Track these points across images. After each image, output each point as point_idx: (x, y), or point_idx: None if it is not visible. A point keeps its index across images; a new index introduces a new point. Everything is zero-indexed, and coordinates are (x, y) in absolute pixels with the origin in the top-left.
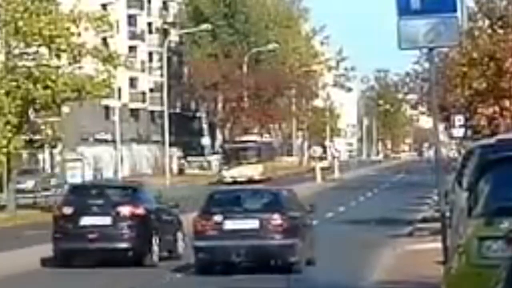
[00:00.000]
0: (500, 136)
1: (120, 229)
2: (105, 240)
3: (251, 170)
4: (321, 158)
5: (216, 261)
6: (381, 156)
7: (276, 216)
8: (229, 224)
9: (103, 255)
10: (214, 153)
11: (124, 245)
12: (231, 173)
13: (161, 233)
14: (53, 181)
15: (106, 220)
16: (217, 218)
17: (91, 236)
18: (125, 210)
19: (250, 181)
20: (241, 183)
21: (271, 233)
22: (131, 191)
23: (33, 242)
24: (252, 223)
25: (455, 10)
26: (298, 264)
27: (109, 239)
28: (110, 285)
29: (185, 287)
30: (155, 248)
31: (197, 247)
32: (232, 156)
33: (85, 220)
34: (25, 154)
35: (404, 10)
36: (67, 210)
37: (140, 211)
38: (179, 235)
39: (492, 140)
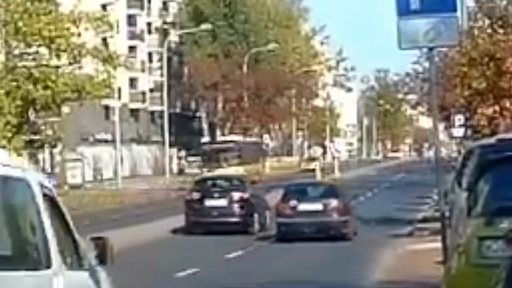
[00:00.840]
0: (500, 136)
1: (232, 208)
2: (222, 216)
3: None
4: (313, 159)
5: (292, 232)
6: (380, 156)
7: (334, 200)
8: (301, 207)
9: (220, 227)
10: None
11: (235, 219)
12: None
13: (257, 212)
14: (53, 181)
15: (223, 202)
16: (293, 202)
17: (212, 213)
18: (236, 195)
19: None
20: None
21: (331, 213)
22: (238, 181)
23: None
24: (317, 206)
25: (455, 10)
26: (349, 234)
27: (225, 215)
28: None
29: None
30: (255, 222)
31: (278, 222)
32: (211, 158)
33: (209, 202)
34: (25, 154)
35: (404, 10)
36: (195, 196)
37: (246, 195)
38: (268, 213)
39: (492, 140)
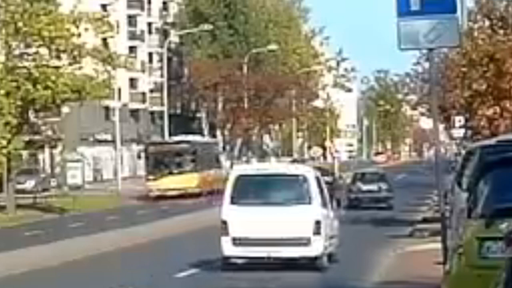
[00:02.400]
0: (500, 137)
1: None
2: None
3: (184, 182)
4: (295, 161)
5: (358, 204)
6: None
7: (383, 183)
8: (364, 187)
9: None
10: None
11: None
12: (157, 185)
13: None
14: (53, 181)
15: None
16: (359, 184)
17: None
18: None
19: (183, 195)
20: (171, 198)
21: (382, 191)
22: (326, 170)
23: (36, 242)
24: (374, 187)
25: (455, 11)
26: (392, 205)
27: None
28: None
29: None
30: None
31: (349, 197)
32: (159, 163)
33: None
34: (25, 154)
35: (404, 11)
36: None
37: (330, 179)
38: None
39: (492, 141)
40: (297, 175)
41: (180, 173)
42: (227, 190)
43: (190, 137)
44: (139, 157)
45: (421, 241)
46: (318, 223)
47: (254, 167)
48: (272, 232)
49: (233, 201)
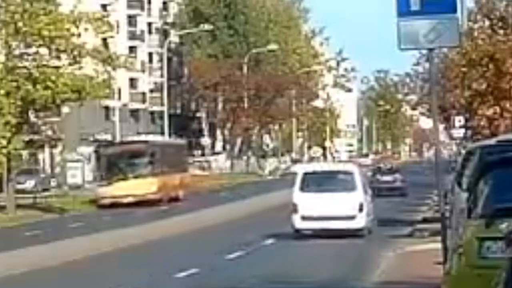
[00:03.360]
0: (500, 137)
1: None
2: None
3: (141, 187)
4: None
5: (378, 193)
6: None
7: (398, 175)
8: (382, 178)
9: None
10: (215, 153)
11: None
12: (110, 191)
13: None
14: (53, 181)
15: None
16: (378, 176)
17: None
18: None
19: (141, 202)
20: (127, 205)
21: (397, 181)
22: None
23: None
24: (390, 178)
25: (455, 11)
26: (406, 193)
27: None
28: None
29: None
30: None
31: (371, 188)
32: (113, 166)
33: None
34: (25, 154)
35: (404, 11)
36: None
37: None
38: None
39: (492, 141)
40: (346, 171)
41: (136, 177)
42: (296, 182)
43: (149, 137)
44: (89, 160)
45: (421, 241)
46: (361, 204)
47: (315, 166)
48: (329, 211)
49: (301, 190)
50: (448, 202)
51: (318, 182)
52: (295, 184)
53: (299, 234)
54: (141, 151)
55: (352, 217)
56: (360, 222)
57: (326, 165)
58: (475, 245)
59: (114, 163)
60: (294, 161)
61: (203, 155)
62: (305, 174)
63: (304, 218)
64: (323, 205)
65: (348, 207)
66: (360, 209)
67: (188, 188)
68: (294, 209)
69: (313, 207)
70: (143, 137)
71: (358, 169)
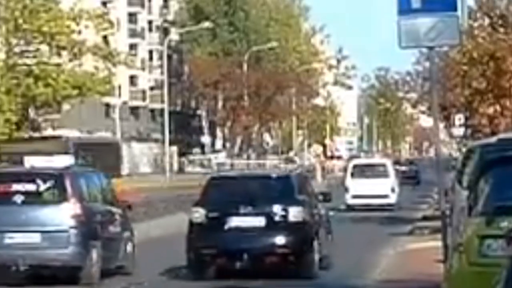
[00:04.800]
0: (501, 136)
1: None
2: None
3: None
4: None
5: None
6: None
7: (414, 166)
8: (401, 168)
9: None
10: (215, 151)
11: None
12: None
13: None
14: None
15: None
16: (397, 166)
17: (402, 174)
18: None
19: None
20: None
21: (413, 171)
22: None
23: None
24: (407, 168)
25: (455, 9)
26: (420, 181)
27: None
28: None
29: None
30: None
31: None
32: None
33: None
34: None
35: (405, 9)
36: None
37: None
38: None
39: (492, 140)
40: (382, 163)
41: None
42: (348, 171)
43: (66, 132)
44: None
45: (421, 239)
46: (392, 187)
47: (360, 160)
48: (370, 191)
49: (352, 176)
50: (448, 200)
51: (363, 171)
52: (347, 172)
53: None
54: (52, 150)
55: (386, 196)
56: (392, 199)
57: (368, 159)
58: (476, 243)
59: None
60: (288, 160)
61: (203, 153)
62: (354, 166)
63: (353, 196)
64: (366, 187)
65: (383, 188)
66: (392, 190)
67: (121, 196)
68: (346, 190)
69: (359, 189)
70: (57, 132)
71: (390, 162)
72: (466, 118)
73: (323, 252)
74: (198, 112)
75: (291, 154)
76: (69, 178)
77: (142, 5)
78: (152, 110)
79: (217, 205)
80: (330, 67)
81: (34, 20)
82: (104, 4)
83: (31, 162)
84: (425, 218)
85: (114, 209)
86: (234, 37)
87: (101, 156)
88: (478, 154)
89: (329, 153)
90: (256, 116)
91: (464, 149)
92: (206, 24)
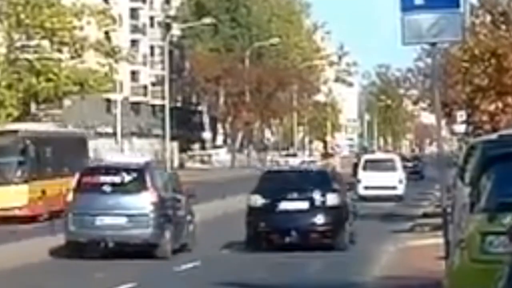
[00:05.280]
0: (503, 132)
1: None
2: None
3: (5, 199)
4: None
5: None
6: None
7: (419, 162)
8: (407, 164)
9: None
10: (216, 147)
11: None
12: None
13: None
14: None
15: (413, 164)
16: (404, 162)
17: (408, 169)
18: None
19: (8, 219)
20: None
21: (418, 167)
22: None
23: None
24: (413, 164)
25: (458, 6)
26: (425, 176)
27: None
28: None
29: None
30: None
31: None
32: None
33: (407, 163)
34: None
35: (408, 5)
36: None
37: None
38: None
39: (495, 136)
40: (390, 159)
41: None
42: (360, 165)
43: (21, 126)
44: None
45: (422, 236)
46: (400, 180)
47: (371, 156)
48: (380, 183)
49: (363, 170)
50: (450, 196)
51: (373, 165)
52: (359, 166)
53: None
54: (7, 146)
55: (395, 187)
56: (399, 191)
57: (377, 155)
58: (478, 240)
59: None
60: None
61: (203, 149)
62: (366, 160)
63: (365, 188)
64: (376, 180)
65: (392, 181)
66: (400, 182)
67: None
68: (358, 182)
69: (370, 181)
70: (12, 126)
71: (398, 157)
72: (468, 115)
73: (351, 230)
74: (199, 108)
75: (291, 150)
76: (148, 171)
77: (144, 1)
78: (153, 106)
79: (270, 193)
80: (331, 64)
81: (36, 15)
82: (105, 0)
83: (114, 157)
84: (425, 215)
85: (180, 197)
86: (235, 33)
87: (63, 151)
88: (480, 151)
89: (330, 150)
90: (257, 112)
91: (464, 146)
92: (208, 19)
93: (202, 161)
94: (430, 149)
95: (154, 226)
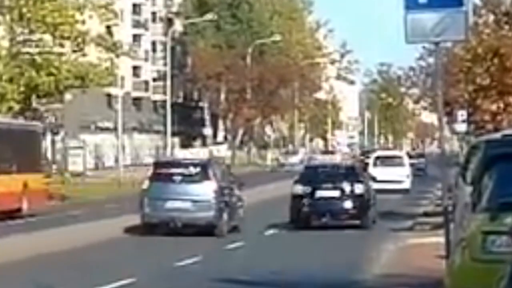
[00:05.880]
0: (505, 131)
1: None
2: None
3: None
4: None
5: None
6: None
7: (423, 159)
8: (411, 161)
9: None
10: (216, 143)
11: None
12: None
13: None
14: (54, 168)
15: (417, 161)
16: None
17: (412, 166)
18: None
19: None
20: None
21: (422, 164)
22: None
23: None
24: (417, 161)
25: (462, 5)
26: (428, 173)
27: None
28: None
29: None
30: None
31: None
32: None
33: (411, 160)
34: None
35: (412, 4)
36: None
37: None
38: None
39: (497, 136)
40: (398, 155)
41: None
42: (371, 162)
43: None
44: None
45: (422, 234)
46: (407, 174)
47: (381, 153)
48: (389, 177)
49: (374, 166)
50: (451, 196)
51: (383, 161)
52: (370, 163)
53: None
54: None
55: (402, 182)
56: (406, 184)
57: (387, 152)
58: (479, 239)
59: None
60: (288, 153)
61: (204, 145)
62: (376, 157)
63: (376, 181)
64: (385, 174)
65: (400, 175)
66: (407, 177)
67: (40, 195)
68: (372, 177)
69: (380, 175)
70: None
71: (405, 154)
72: (469, 114)
73: (373, 213)
74: (201, 104)
75: (291, 147)
76: (210, 165)
77: None
78: (155, 102)
79: (309, 183)
80: (333, 62)
81: (38, 9)
82: None
83: (181, 154)
84: (426, 214)
85: (232, 186)
86: (237, 29)
87: (13, 146)
88: (483, 150)
89: (331, 148)
90: (258, 109)
91: (465, 145)
92: (210, 16)
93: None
94: (431, 148)
95: (215, 210)
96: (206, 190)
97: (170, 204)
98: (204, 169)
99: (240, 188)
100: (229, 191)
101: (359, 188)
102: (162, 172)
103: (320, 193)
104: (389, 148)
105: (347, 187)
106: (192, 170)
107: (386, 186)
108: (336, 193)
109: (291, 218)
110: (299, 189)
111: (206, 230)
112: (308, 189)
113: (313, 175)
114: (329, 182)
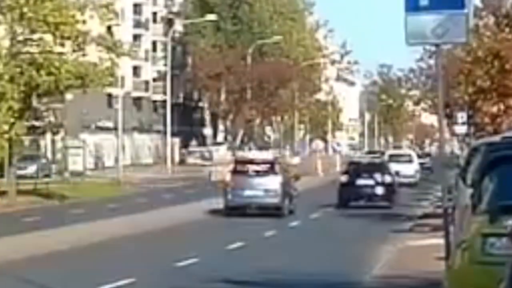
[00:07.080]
0: (506, 134)
1: None
2: None
3: None
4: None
5: None
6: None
7: (429, 158)
8: (418, 160)
9: None
10: (216, 143)
11: None
12: None
13: None
14: (54, 168)
15: (423, 160)
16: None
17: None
18: None
19: None
20: None
21: (428, 163)
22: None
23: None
24: (423, 160)
25: (463, 7)
26: (434, 171)
27: None
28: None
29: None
30: None
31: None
32: None
33: (418, 159)
34: (26, 140)
35: (413, 6)
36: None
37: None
38: None
39: (497, 138)
40: (408, 154)
41: None
42: (384, 159)
43: None
44: None
45: (422, 236)
46: (416, 170)
47: (393, 151)
48: (401, 172)
49: (389, 161)
50: (451, 197)
51: (395, 158)
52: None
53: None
54: None
55: (412, 176)
56: (415, 178)
57: (399, 151)
58: (479, 241)
59: None
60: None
61: (204, 145)
62: (389, 155)
63: None
64: (398, 169)
65: (410, 170)
66: (416, 172)
67: None
68: None
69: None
70: None
71: (414, 153)
72: (469, 116)
73: (397, 197)
74: (201, 104)
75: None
76: (276, 162)
77: None
78: (155, 102)
79: (351, 174)
80: (333, 62)
81: (39, 9)
82: None
83: (252, 153)
84: (425, 216)
85: (290, 178)
86: (238, 29)
87: None
88: (483, 152)
89: (330, 149)
90: (258, 109)
91: (466, 147)
92: (211, 16)
93: (203, 157)
94: (431, 149)
95: (280, 196)
96: (274, 181)
97: (247, 192)
98: (272, 165)
99: (296, 180)
100: (288, 182)
101: (387, 178)
102: (241, 168)
103: (358, 182)
104: (400, 147)
105: (379, 178)
106: (263, 166)
107: (398, 180)
108: (371, 182)
109: (338, 201)
110: (344, 179)
111: (273, 212)
112: (350, 178)
113: (354, 168)
114: (366, 174)
